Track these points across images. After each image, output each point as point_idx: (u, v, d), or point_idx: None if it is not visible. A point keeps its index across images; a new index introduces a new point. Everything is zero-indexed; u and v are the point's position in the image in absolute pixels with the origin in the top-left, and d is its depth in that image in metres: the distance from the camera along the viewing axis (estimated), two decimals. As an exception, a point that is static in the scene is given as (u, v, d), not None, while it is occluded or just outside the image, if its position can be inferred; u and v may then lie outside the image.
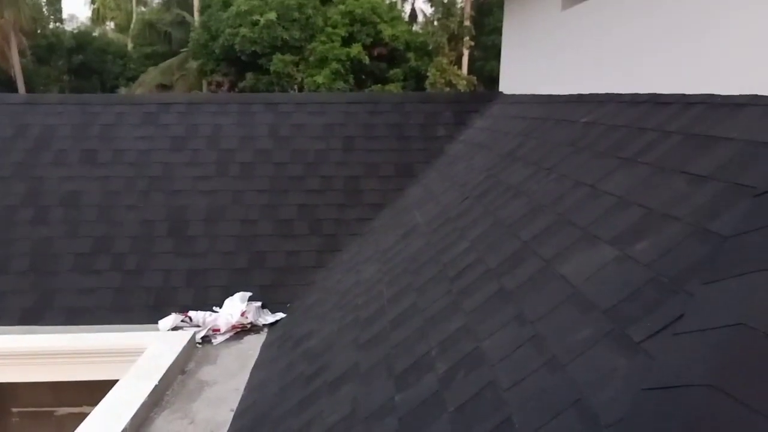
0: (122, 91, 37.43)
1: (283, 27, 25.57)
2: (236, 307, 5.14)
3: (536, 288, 2.27)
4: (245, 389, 4.03)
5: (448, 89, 24.67)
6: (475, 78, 30.10)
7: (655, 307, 1.66)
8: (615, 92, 3.76)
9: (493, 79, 35.59)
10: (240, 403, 3.82)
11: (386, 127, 6.71)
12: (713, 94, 2.60)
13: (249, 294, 5.34)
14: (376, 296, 3.71)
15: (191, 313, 5.19)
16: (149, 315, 5.32)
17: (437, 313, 2.79)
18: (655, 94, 3.13)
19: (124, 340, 4.64)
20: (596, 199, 2.56)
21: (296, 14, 25.73)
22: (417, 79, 28.36)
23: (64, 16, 44.85)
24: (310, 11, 26.08)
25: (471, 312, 2.51)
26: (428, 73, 27.39)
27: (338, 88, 25.30)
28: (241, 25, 25.39)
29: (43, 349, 4.51)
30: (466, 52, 32.52)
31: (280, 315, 5.22)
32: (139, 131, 6.64)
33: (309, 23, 26.03)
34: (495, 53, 37.53)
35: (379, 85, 27.49)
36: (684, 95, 2.84)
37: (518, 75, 6.47)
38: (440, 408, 2.02)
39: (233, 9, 25.77)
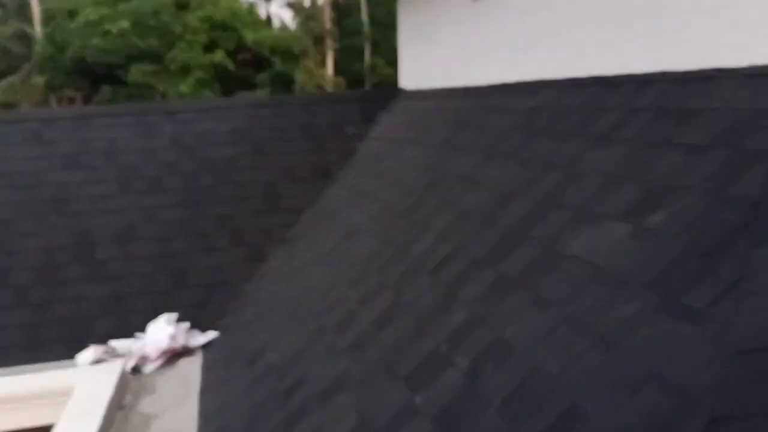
0: (-46, 112, 33.74)
1: (139, 35, 24.29)
2: (163, 331, 4.80)
3: (546, 271, 2.31)
4: (201, 416, 3.78)
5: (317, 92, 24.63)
6: (343, 80, 30.34)
7: (703, 275, 1.73)
8: (542, 79, 3.93)
9: (357, 80, 36.08)
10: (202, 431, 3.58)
11: (296, 129, 6.57)
12: (668, 71, 2.78)
13: (175, 315, 5.02)
14: (339, 300, 3.62)
15: (113, 343, 4.79)
16: (66, 350, 4.84)
17: (428, 308, 2.77)
18: (599, 76, 3.30)
19: (46, 381, 4.19)
20: (579, 180, 2.66)
21: (152, 21, 24.54)
22: (285, 84, 28.06)
23: None
24: (166, 18, 24.96)
25: (472, 302, 2.51)
26: (296, 77, 27.25)
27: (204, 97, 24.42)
28: (92, 35, 23.79)
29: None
30: (330, 55, 32.70)
31: (212, 334, 4.95)
32: (23, 151, 6.01)
33: (166, 30, 24.90)
34: (357, 54, 38.04)
35: (247, 91, 26.87)
36: (633, 75, 3.02)
37: (421, 70, 6.57)
38: (480, 403, 1.99)
39: (81, 19, 24.10)
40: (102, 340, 4.90)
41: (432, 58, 6.16)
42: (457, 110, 4.86)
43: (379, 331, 2.92)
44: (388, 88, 7.17)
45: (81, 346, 4.85)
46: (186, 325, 4.94)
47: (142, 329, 5.00)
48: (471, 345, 2.29)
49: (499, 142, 3.72)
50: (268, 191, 6.07)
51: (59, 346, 4.88)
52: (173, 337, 4.73)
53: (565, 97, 3.48)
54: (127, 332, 5.01)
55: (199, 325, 5.08)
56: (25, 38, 30.71)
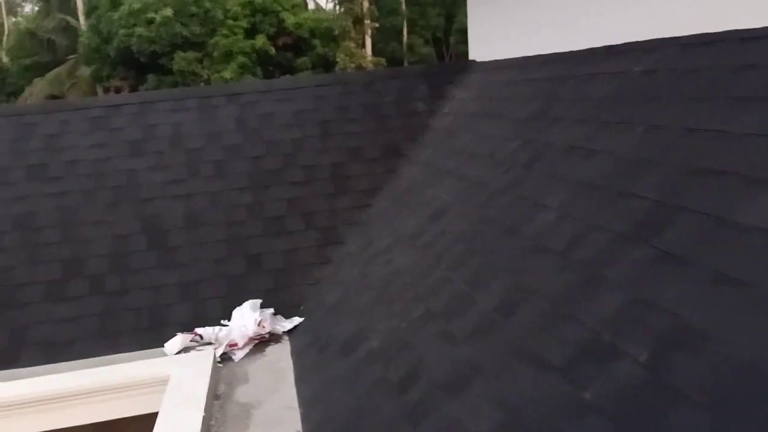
0: (4, 107, 34.56)
1: (182, 23, 24.36)
2: (249, 317, 4.66)
3: (720, 245, 2.02)
4: (300, 406, 3.61)
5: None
6: (384, 60, 29.96)
7: None
8: (652, 38, 3.60)
9: (395, 60, 35.70)
10: (305, 422, 3.41)
11: (361, 108, 6.33)
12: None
13: (260, 301, 4.87)
14: (442, 283, 3.38)
15: (200, 330, 4.67)
16: (145, 339, 4.75)
17: (566, 291, 2.49)
18: (733, 30, 2.96)
19: (141, 371, 4.08)
20: (735, 143, 2.35)
21: (194, 8, 24.58)
22: (325, 66, 27.87)
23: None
24: (208, 4, 24.98)
25: (629, 284, 2.22)
26: (337, 59, 27.00)
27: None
28: (135, 25, 23.96)
29: (51, 393, 3.89)
30: (368, 35, 32.31)
31: (297, 320, 4.78)
32: (90, 139, 5.92)
33: (208, 17, 24.93)
34: (395, 34, 37.64)
35: (288, 75, 26.75)
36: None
37: (495, 39, 6.25)
38: (674, 398, 1.71)
39: (125, 8, 24.26)
40: (183, 327, 4.79)
41: (507, 26, 5.84)
42: (543, 80, 4.54)
43: (506, 317, 2.67)
44: (461, 62, 6.83)
45: (159, 334, 4.75)
46: (270, 310, 4.79)
47: (219, 316, 4.88)
48: (643, 332, 1.99)
49: (608, 109, 3.41)
50: (337, 173, 5.86)
51: (138, 335, 4.79)
52: (259, 324, 4.58)
53: (689, 57, 3.15)
54: (204, 319, 4.89)
55: (278, 311, 4.92)
56: (70, 30, 31.19)
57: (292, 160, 5.93)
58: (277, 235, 5.44)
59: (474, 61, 6.63)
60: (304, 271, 5.22)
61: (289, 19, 25.85)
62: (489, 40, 6.41)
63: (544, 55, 4.88)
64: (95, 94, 28.56)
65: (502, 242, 3.22)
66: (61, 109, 6.19)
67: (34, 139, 5.89)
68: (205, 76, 24.31)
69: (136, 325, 4.84)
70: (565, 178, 3.21)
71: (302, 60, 26.61)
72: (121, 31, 23.90)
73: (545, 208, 3.12)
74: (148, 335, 4.77)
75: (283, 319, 4.82)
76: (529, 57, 5.17)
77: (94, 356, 4.63)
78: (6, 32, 40.62)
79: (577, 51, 4.41)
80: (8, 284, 4.99)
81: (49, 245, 5.23)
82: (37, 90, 29.17)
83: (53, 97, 29.82)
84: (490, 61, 6.17)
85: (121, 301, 4.96)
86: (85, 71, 27.56)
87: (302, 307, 4.92)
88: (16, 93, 35.26)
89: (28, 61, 35.48)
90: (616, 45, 3.94)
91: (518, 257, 2.97)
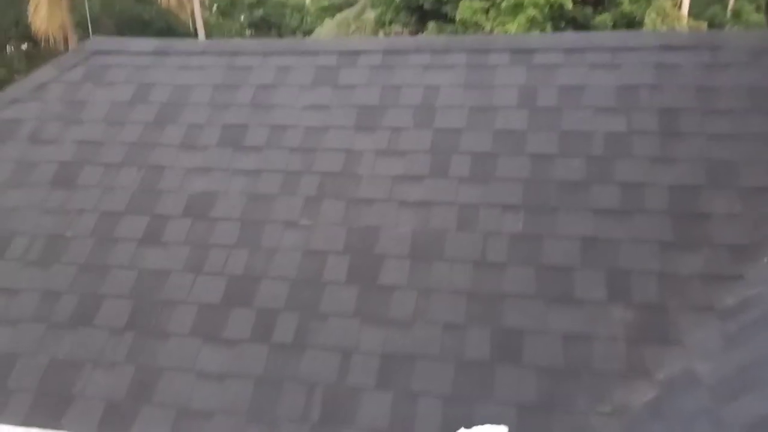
0: (300, 44, 36.77)
1: (476, -32, 22.43)
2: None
3: None
4: None
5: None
6: (705, 24, 24.86)
7: None
8: None
9: (712, 27, 29.80)
10: None
11: (741, 94, 3.63)
12: None
13: (505, 429, 2.68)
14: None
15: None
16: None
17: None
18: None
19: None
20: None
21: (490, -47, 22.40)
22: (629, 27, 23.95)
23: (246, -31, 44.99)
24: (505, -53, 22.59)
25: None
26: (646, 19, 22.87)
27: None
28: (427, -32, 22.68)
29: None
30: (687, -5, 27.13)
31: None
32: (309, 96, 4.16)
33: (503, -38, 22.58)
34: (718, -4, 31.51)
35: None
36: None
37: None
38: None
39: (419, -51, 23.05)
40: (369, 433, 2.83)
41: None
42: None
43: None
44: None
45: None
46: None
47: (433, 430, 2.82)
48: None
49: None
50: (681, 204, 3.32)
51: (304, 429, 2.94)
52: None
53: None
54: (408, 426, 2.87)
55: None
56: (366, -29, 31.43)
57: (604, 169, 3.52)
58: (556, 302, 3.14)
59: None
60: (600, 382, 2.87)
61: (595, -32, 22.35)
62: None
63: None
64: (378, 39, 28.37)
65: None
66: (282, 51, 4.49)
67: (242, 90, 4.29)
68: (488, 29, 22.24)
69: (302, 412, 2.98)
70: None
71: (602, 17, 23.01)
72: (411, -26, 22.80)
73: None
74: (319, 434, 2.90)
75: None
76: None
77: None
78: (311, -27, 43.05)
79: None
80: (155, 297, 3.46)
81: (221, 247, 3.60)
82: (325, 31, 30.00)
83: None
84: None
85: (292, 364, 3.13)
86: (371, 15, 27.39)
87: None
88: (311, 32, 37.33)
89: (326, 2, 37.21)
90: None
91: None
